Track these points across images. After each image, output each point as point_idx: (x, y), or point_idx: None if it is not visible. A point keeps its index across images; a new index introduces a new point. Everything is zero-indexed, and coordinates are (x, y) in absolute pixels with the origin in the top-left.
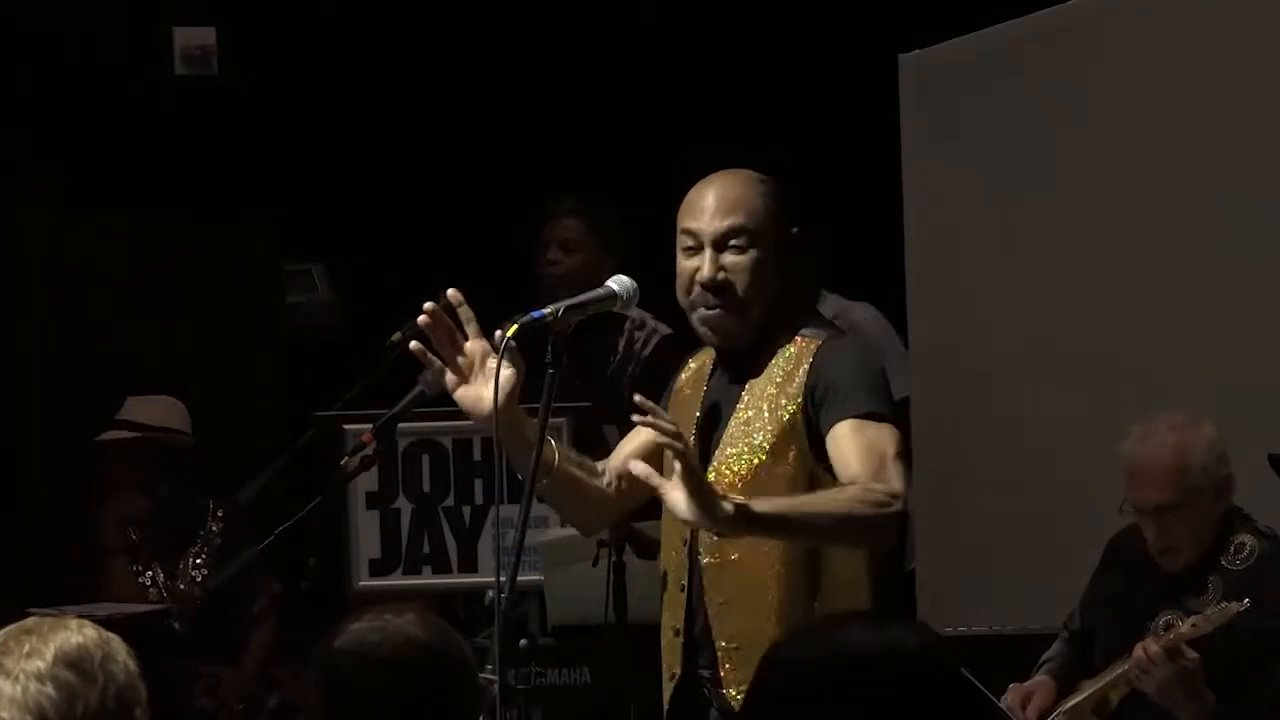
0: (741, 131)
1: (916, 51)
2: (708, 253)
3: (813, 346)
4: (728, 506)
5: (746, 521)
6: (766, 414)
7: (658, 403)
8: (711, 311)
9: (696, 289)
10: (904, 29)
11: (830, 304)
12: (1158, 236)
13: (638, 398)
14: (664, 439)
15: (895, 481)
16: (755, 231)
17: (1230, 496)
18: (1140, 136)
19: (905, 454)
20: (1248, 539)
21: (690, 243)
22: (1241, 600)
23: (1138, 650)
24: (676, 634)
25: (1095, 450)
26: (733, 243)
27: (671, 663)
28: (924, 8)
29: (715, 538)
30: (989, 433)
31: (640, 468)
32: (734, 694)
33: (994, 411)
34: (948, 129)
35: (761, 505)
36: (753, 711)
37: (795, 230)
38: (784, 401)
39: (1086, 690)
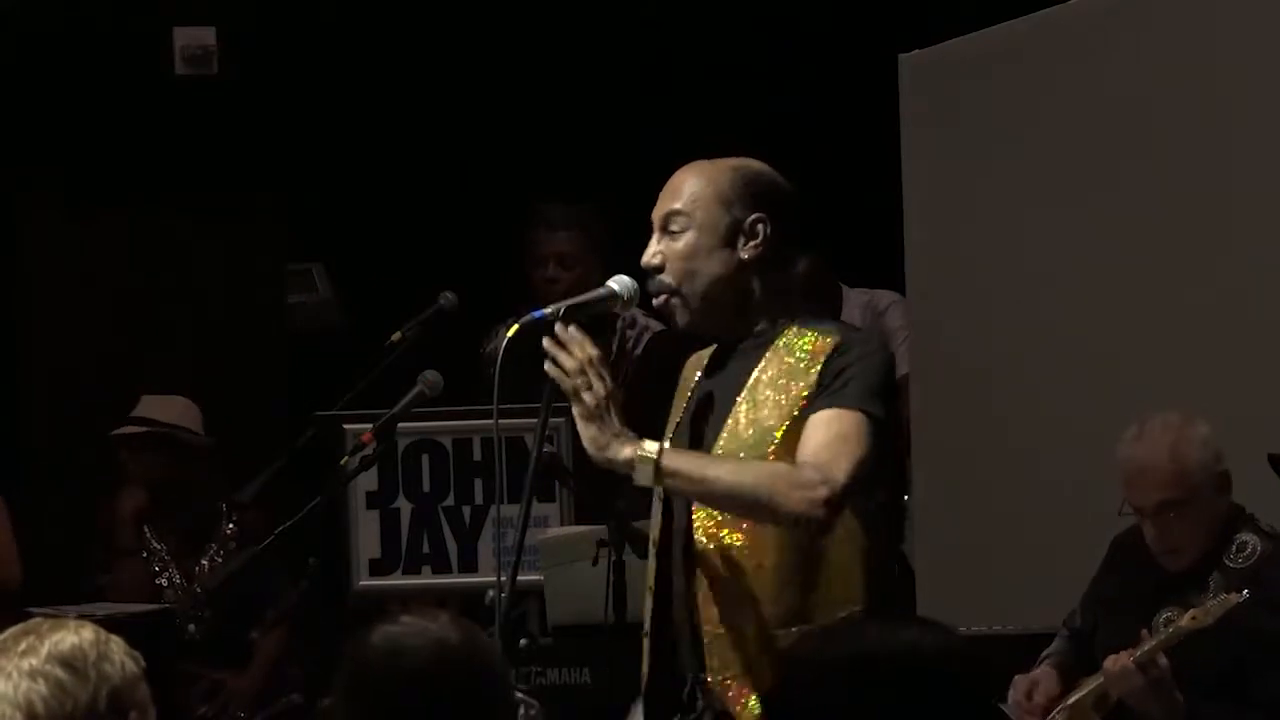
0: (740, 131)
1: (916, 51)
2: (653, 238)
3: (830, 343)
4: (627, 452)
5: (654, 472)
6: (773, 402)
7: (670, 397)
8: (656, 299)
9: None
10: (904, 29)
11: (855, 296)
12: (1157, 236)
13: (558, 327)
14: (553, 369)
15: (837, 470)
16: (690, 214)
17: (1229, 493)
18: (1140, 136)
19: (876, 456)
20: (1250, 538)
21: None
22: (1241, 594)
23: (1107, 663)
24: (644, 635)
25: (1095, 450)
26: (670, 227)
27: (642, 663)
28: (924, 8)
29: (713, 522)
30: (989, 432)
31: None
32: (717, 685)
33: (994, 411)
34: (947, 128)
35: (673, 459)
36: (774, 712)
37: (755, 215)
38: (794, 392)
39: (1087, 687)
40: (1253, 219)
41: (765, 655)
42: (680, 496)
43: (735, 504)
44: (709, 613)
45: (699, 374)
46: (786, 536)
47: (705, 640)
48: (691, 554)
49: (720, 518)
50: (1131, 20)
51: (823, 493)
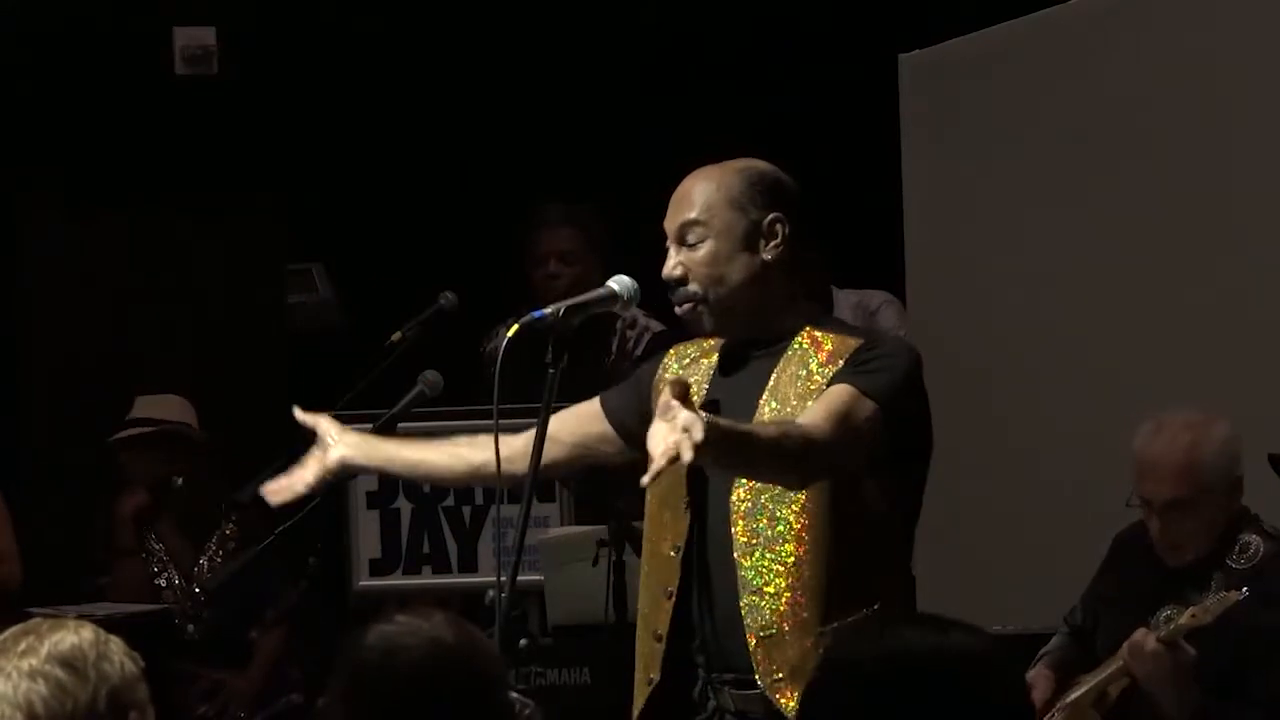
0: (740, 130)
1: (916, 51)
2: (670, 250)
3: (853, 344)
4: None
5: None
6: (796, 394)
7: (642, 387)
8: (682, 307)
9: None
10: (904, 29)
11: (845, 297)
12: (1157, 236)
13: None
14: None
15: (832, 434)
16: (707, 222)
17: (1239, 496)
18: (1140, 136)
19: (871, 450)
20: (1253, 539)
21: (667, 243)
22: (1241, 591)
23: (1136, 635)
24: (659, 640)
25: (1095, 450)
26: (689, 238)
27: (649, 668)
28: (924, 8)
29: (756, 526)
30: (989, 432)
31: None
32: (777, 691)
33: (994, 411)
34: (947, 128)
35: (727, 423)
36: (810, 713)
37: (773, 216)
38: (817, 384)
39: (1086, 684)
40: (1253, 219)
41: (814, 652)
42: (716, 464)
43: (768, 451)
44: (756, 614)
45: (682, 369)
46: (830, 540)
47: (753, 642)
48: (733, 557)
49: (764, 517)
50: (1131, 20)
51: (816, 433)
